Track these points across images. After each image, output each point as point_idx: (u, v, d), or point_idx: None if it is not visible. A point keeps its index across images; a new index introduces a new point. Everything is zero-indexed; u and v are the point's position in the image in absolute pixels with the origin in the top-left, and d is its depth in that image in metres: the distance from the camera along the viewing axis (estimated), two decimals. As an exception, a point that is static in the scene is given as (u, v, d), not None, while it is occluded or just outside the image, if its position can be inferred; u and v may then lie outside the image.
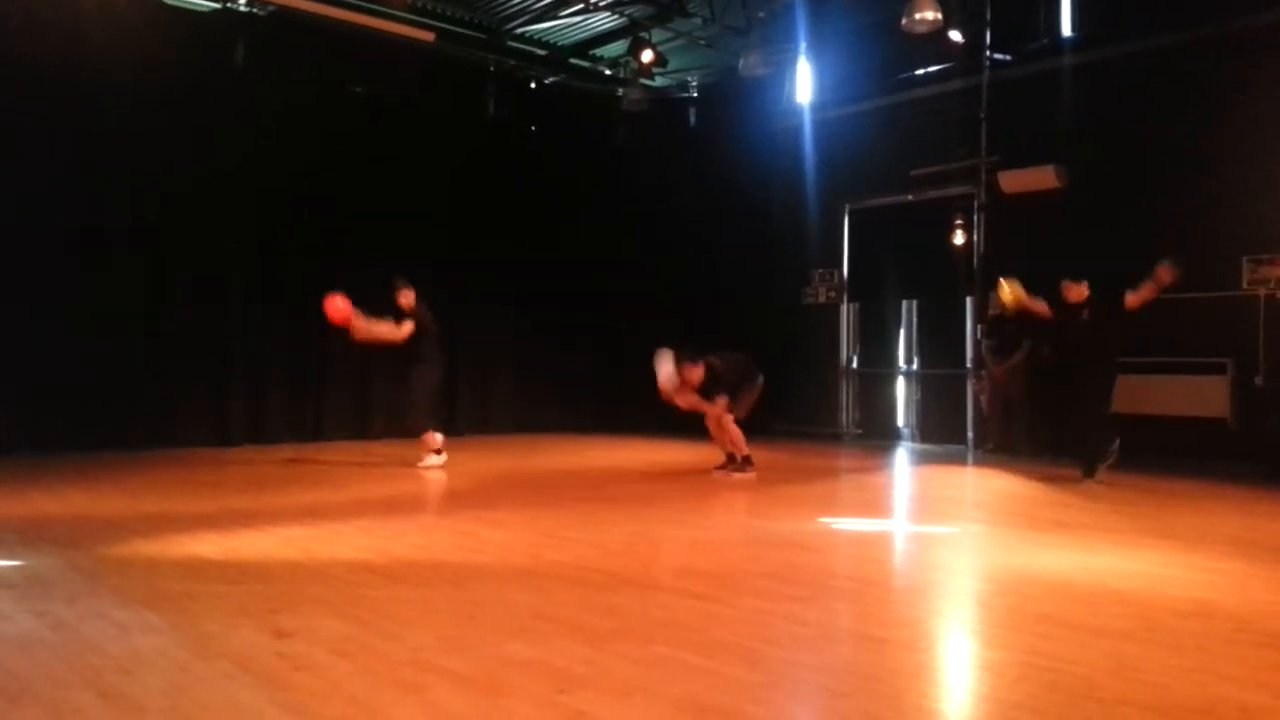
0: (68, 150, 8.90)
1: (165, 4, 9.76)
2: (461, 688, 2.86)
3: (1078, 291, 7.70)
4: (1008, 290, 7.86)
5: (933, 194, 11.19)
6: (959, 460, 9.95)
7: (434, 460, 8.39)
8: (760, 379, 8.24)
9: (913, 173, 11.13)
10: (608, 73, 13.26)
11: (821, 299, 12.49)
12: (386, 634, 3.40)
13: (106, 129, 9.07)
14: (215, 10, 10.05)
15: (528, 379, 12.38)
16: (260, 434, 10.17)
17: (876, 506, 7.26)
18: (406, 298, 8.17)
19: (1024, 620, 3.76)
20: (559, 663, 3.11)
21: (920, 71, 11.14)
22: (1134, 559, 4.92)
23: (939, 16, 9.04)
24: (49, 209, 8.81)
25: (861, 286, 12.20)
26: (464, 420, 11.63)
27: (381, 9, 10.51)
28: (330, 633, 3.40)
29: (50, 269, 8.88)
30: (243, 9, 10.14)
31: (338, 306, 7.92)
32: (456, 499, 7.10)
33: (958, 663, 3.41)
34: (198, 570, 4.38)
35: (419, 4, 11.07)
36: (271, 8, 10.10)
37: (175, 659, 3.10)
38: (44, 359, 8.80)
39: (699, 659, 3.17)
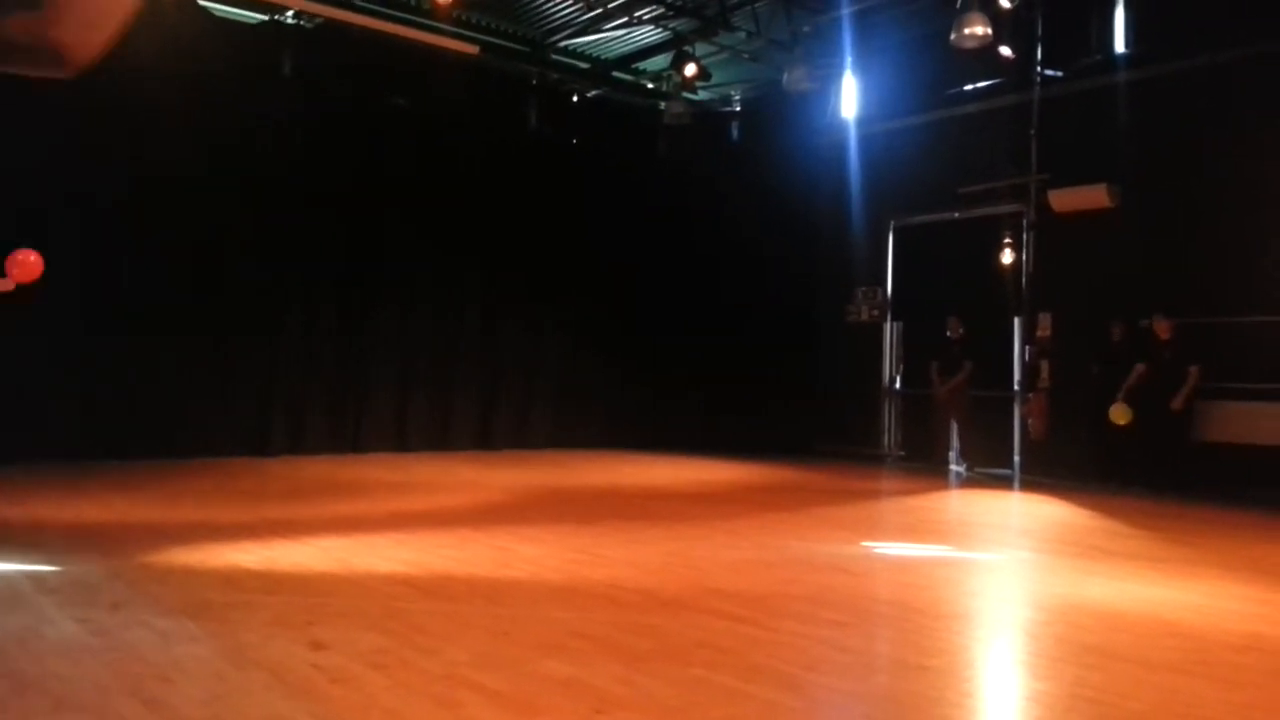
0: (115, 159, 9.00)
1: (214, 16, 9.93)
2: (497, 705, 2.84)
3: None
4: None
5: (981, 212, 11.01)
6: (1005, 484, 9.78)
7: None
8: None
9: (960, 190, 10.98)
10: (650, 86, 13.29)
11: (865, 317, 12.35)
12: (422, 648, 3.39)
13: (155, 137, 9.15)
14: (263, 23, 10.21)
15: (565, 393, 12.36)
16: (299, 445, 10.24)
17: (920, 531, 7.13)
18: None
19: (1072, 651, 3.66)
20: (595, 682, 3.07)
21: (969, 87, 11.01)
22: (1186, 590, 4.78)
23: (989, 32, 8.92)
24: (97, 218, 8.93)
25: (906, 305, 12.05)
26: (501, 434, 11.65)
27: (426, 22, 10.63)
28: (366, 645, 3.40)
29: (96, 277, 8.97)
30: (290, 22, 10.30)
31: None
32: (492, 513, 7.09)
33: (1003, 693, 3.32)
34: (237, 580, 4.41)
35: (463, 17, 11.17)
36: (318, 21, 10.25)
37: (214, 668, 3.11)
38: (89, 368, 8.91)
39: (737, 682, 3.12)
